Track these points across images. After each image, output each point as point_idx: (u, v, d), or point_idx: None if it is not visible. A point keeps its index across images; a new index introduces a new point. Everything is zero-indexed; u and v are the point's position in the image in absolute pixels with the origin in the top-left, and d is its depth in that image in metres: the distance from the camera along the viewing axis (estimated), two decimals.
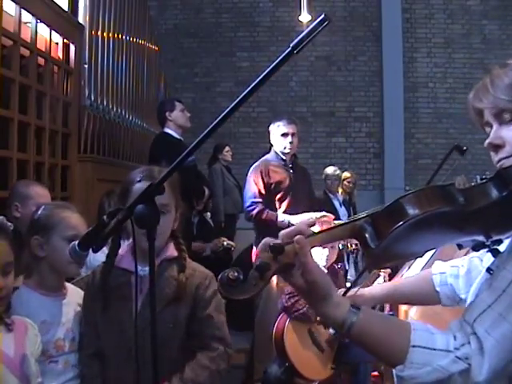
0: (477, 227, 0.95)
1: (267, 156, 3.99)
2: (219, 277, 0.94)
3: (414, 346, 0.92)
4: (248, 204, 3.77)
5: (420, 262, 2.70)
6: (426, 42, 8.35)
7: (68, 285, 1.86)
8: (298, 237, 0.94)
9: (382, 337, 0.95)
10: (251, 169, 3.88)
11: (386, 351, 0.95)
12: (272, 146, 3.93)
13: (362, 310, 0.95)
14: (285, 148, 3.81)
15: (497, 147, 1.02)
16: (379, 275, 3.44)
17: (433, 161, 8.27)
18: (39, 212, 1.83)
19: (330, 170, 5.94)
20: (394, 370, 0.95)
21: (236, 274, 0.92)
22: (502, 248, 1.02)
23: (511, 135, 1.00)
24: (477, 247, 1.00)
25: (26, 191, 2.61)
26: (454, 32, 8.30)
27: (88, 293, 1.80)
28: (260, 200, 3.73)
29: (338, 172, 5.95)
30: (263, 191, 3.75)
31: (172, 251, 1.74)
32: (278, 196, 3.77)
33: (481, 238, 0.98)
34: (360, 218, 0.97)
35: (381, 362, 3.33)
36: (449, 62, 8.30)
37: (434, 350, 0.92)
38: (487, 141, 1.03)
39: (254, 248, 3.96)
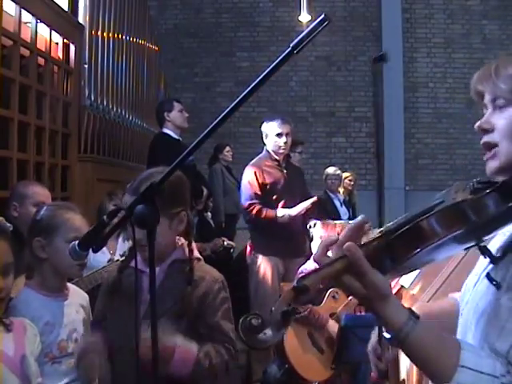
0: (477, 235, 0.96)
1: (260, 156, 3.96)
2: (240, 321, 0.91)
3: (462, 366, 0.91)
4: (245, 205, 3.75)
5: None
6: (425, 41, 8.35)
7: (70, 285, 1.86)
8: (348, 244, 0.92)
9: (434, 352, 0.93)
10: (245, 170, 3.85)
11: (434, 367, 0.94)
12: (265, 145, 3.90)
13: (421, 321, 0.94)
14: (279, 148, 3.78)
15: (485, 130, 1.04)
16: None
17: (433, 161, 8.28)
18: (41, 212, 1.80)
19: (330, 169, 5.94)
20: None
21: (259, 321, 0.90)
22: (491, 246, 1.03)
23: (500, 123, 1.02)
24: (467, 248, 1.01)
25: (23, 191, 2.61)
26: (454, 32, 8.30)
27: (102, 290, 1.80)
28: (257, 201, 3.72)
29: (338, 172, 5.95)
30: (259, 192, 3.73)
31: (185, 252, 1.73)
32: (274, 197, 3.76)
33: (473, 242, 0.99)
34: (375, 239, 0.95)
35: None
36: (449, 61, 8.30)
37: (482, 373, 0.91)
38: (477, 123, 1.06)
39: (248, 247, 3.95)
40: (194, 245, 1.76)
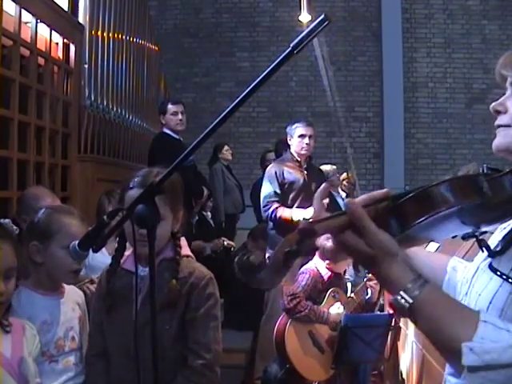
0: (481, 219, 0.95)
1: (283, 157, 4.13)
2: (237, 259, 0.87)
3: (485, 322, 0.83)
4: (263, 204, 3.89)
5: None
6: (425, 42, 8.35)
7: (65, 284, 1.86)
8: (347, 200, 0.89)
9: (448, 312, 0.85)
10: (267, 169, 4.02)
11: (449, 329, 0.84)
12: (289, 147, 4.05)
13: (430, 284, 0.87)
14: (302, 149, 3.93)
15: (498, 112, 1.05)
16: None
17: (433, 161, 8.28)
18: (39, 215, 1.79)
19: (328, 167, 5.88)
20: (463, 356, 0.81)
21: (258, 259, 0.86)
22: (491, 242, 1.03)
23: None
24: (466, 236, 0.99)
25: (35, 205, 2.45)
26: (454, 32, 8.30)
27: (96, 293, 1.81)
28: (275, 199, 3.85)
29: (335, 167, 5.92)
30: (278, 190, 3.87)
31: (172, 251, 1.73)
32: (292, 195, 3.85)
33: (471, 229, 0.97)
34: (382, 201, 0.91)
35: (380, 362, 3.33)
36: (449, 61, 8.30)
37: (509, 331, 0.83)
38: (492, 104, 1.06)
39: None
40: (183, 242, 1.77)
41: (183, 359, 1.67)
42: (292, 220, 3.75)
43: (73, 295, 1.85)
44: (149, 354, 1.33)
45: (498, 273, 0.96)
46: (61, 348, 1.72)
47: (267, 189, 3.90)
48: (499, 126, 1.04)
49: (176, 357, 1.66)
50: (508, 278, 0.94)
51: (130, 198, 1.63)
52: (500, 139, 1.04)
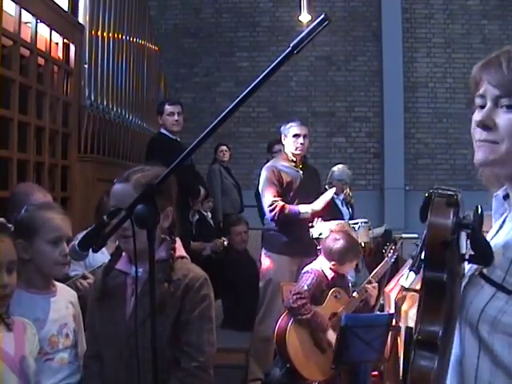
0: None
1: (278, 157, 4.09)
2: None
3: None
4: (269, 203, 3.79)
5: None
6: (425, 42, 8.35)
7: (57, 283, 1.87)
8: None
9: None
10: (263, 170, 3.95)
11: None
12: (283, 147, 4.01)
13: None
14: (296, 149, 3.89)
15: (486, 127, 1.00)
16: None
17: (433, 160, 8.28)
18: (21, 214, 1.82)
19: (348, 172, 5.66)
20: None
21: None
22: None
23: (506, 124, 0.98)
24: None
25: (25, 200, 2.52)
26: (454, 32, 8.30)
27: (90, 295, 1.80)
28: (278, 198, 3.80)
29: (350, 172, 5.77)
30: (279, 190, 3.83)
31: (166, 252, 1.71)
32: (289, 196, 3.83)
33: None
34: None
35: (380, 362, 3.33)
36: (449, 61, 8.30)
37: None
38: (479, 117, 1.01)
39: (263, 251, 3.94)
40: (178, 243, 1.75)
41: (177, 361, 1.66)
42: (299, 213, 3.72)
43: (65, 294, 1.86)
44: (143, 355, 1.33)
45: (491, 281, 0.96)
46: (54, 345, 1.72)
47: (269, 190, 3.83)
48: (484, 141, 1.00)
49: (170, 358, 1.64)
50: (502, 287, 0.94)
51: (112, 192, 1.65)
52: (485, 154, 1.00)
